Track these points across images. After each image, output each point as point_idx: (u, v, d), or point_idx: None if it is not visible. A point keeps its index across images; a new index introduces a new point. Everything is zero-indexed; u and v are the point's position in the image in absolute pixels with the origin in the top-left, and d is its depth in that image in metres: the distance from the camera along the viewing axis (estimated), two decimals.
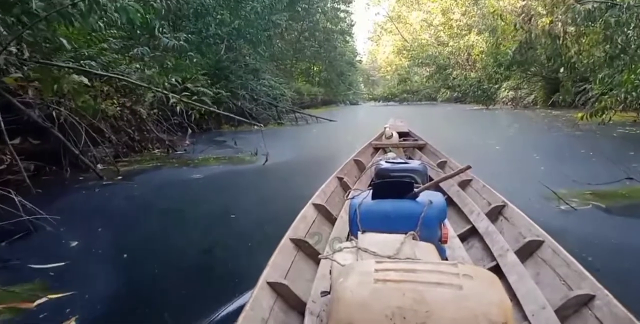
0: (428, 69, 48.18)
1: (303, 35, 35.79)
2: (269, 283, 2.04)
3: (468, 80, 31.86)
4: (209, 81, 17.23)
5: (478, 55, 38.03)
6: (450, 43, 43.10)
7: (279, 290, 2.07)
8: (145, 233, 4.44)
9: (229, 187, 6.81)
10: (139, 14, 6.74)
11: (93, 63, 8.31)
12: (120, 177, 7.14)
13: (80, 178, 6.96)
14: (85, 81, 7.29)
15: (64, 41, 6.84)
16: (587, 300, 1.85)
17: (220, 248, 3.91)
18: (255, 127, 18.29)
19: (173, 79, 11.67)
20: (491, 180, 3.95)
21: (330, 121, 20.66)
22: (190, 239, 4.15)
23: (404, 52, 52.41)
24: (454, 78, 44.76)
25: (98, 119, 8.20)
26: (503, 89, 31.07)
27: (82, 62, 8.10)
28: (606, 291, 1.81)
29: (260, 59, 20.74)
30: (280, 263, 2.31)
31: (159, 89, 9.23)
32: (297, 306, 2.10)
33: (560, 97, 25.33)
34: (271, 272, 2.14)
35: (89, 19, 6.34)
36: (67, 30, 7.21)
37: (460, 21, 40.44)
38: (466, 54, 44.81)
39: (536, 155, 8.43)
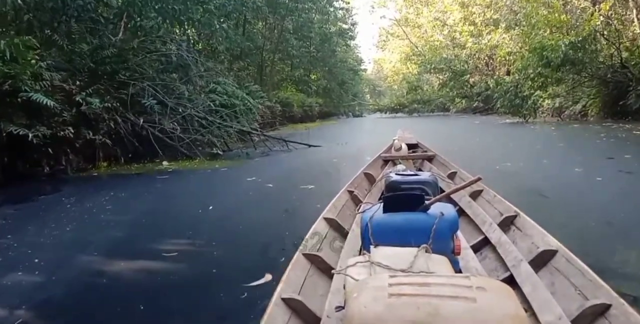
0: (441, 76, 39.69)
1: (286, 29, 27.05)
2: (283, 299, 1.84)
3: (502, 85, 23.15)
4: (80, 82, 9.00)
5: (504, 56, 29.59)
6: (469, 44, 34.50)
7: (294, 306, 1.86)
8: None
9: None
10: None
11: None
12: None
13: None
14: None
15: None
16: (603, 310, 1.69)
17: None
18: (165, 163, 10.10)
19: None
20: None
21: (310, 146, 12.23)
22: None
23: (413, 57, 43.89)
24: (472, 85, 36.37)
25: None
26: (545, 97, 22.54)
27: None
28: (622, 300, 1.67)
29: (192, 48, 12.31)
30: (294, 279, 2.08)
31: None
32: (311, 321, 1.88)
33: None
34: (285, 287, 1.92)
35: None
36: None
37: (483, 15, 31.75)
38: (486, 57, 36.45)
39: None
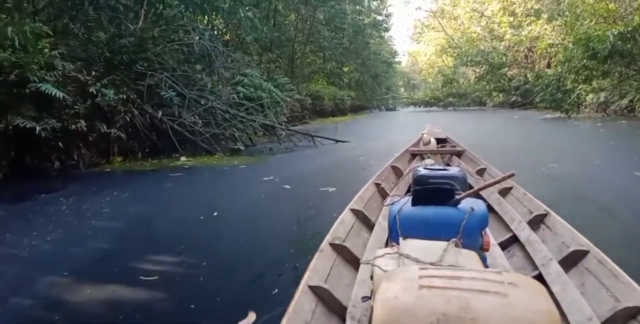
0: (478, 69, 38.13)
1: (318, 20, 26.05)
2: (310, 287, 1.84)
3: (543, 79, 21.83)
4: (95, 72, 8.52)
5: (545, 49, 28.04)
6: (508, 36, 32.91)
7: (320, 294, 1.87)
8: None
9: None
10: None
11: None
12: None
13: None
14: None
15: None
16: (636, 313, 1.63)
17: None
18: (183, 159, 9.55)
19: None
20: None
21: (338, 141, 11.50)
22: None
23: (449, 50, 42.34)
24: (510, 79, 34.80)
25: None
26: (589, 91, 21.05)
27: None
28: None
29: (215, 38, 11.69)
30: (320, 268, 2.06)
31: None
32: (337, 310, 1.88)
33: None
34: (312, 276, 1.91)
35: None
36: None
37: (524, 5, 30.16)
38: (526, 49, 34.75)
39: None
